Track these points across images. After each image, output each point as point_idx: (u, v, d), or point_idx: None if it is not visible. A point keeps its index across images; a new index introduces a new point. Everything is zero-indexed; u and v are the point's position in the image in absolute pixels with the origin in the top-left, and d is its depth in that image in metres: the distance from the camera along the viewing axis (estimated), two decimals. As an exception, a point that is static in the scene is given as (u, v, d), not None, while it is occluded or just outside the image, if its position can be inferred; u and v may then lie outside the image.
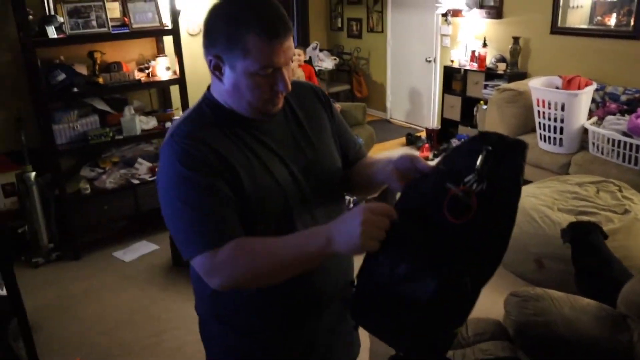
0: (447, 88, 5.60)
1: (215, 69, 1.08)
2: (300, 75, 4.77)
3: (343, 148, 1.30)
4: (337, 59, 7.04)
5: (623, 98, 4.03)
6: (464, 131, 5.35)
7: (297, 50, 5.43)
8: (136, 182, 3.76)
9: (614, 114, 3.79)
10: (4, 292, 2.39)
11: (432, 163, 1.07)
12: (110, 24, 3.48)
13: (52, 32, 3.28)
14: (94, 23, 3.42)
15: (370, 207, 0.93)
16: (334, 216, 1.22)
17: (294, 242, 1.01)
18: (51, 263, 3.58)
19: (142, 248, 3.73)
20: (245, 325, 1.21)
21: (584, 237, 2.60)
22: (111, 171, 3.78)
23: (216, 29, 1.04)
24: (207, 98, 1.16)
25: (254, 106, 1.09)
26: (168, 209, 1.06)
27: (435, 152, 5.43)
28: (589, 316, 1.92)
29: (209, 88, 1.17)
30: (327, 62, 6.71)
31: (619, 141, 3.56)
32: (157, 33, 3.81)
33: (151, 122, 3.80)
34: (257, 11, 1.01)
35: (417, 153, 5.51)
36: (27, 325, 2.53)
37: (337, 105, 4.34)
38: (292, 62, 5.37)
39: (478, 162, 0.95)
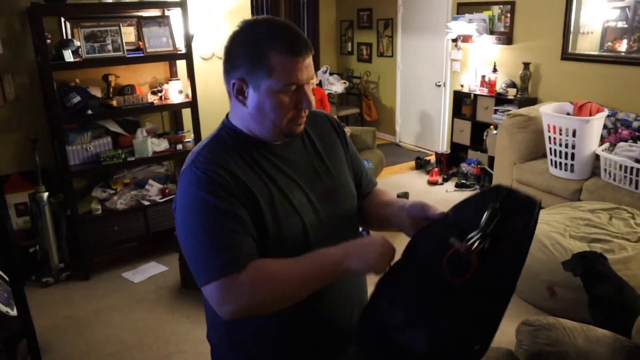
0: (456, 112, 5.62)
1: (239, 93, 1.09)
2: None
3: (357, 178, 1.32)
4: (347, 82, 7.10)
5: (635, 124, 4.02)
6: (474, 156, 5.35)
7: (308, 74, 5.51)
8: (147, 203, 3.79)
9: (626, 141, 3.77)
10: (14, 312, 2.40)
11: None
12: (125, 48, 3.55)
13: (68, 56, 3.34)
14: (110, 47, 3.49)
15: (387, 239, 1.04)
16: None
17: (311, 259, 1.03)
18: (61, 283, 3.59)
19: (152, 269, 3.74)
20: (263, 354, 1.20)
21: (593, 266, 2.57)
22: (122, 192, 3.81)
23: (238, 53, 1.07)
24: (226, 125, 1.17)
25: (278, 126, 1.10)
26: (186, 236, 1.06)
27: (445, 176, 5.42)
28: (604, 347, 1.89)
29: (227, 116, 1.18)
30: (336, 86, 6.77)
31: (632, 168, 3.54)
32: (170, 57, 3.87)
33: (163, 144, 3.84)
34: (278, 32, 1.05)
35: (426, 177, 5.50)
36: (37, 346, 2.53)
37: (347, 130, 4.37)
38: (313, 81, 5.39)
39: (483, 219, 0.95)
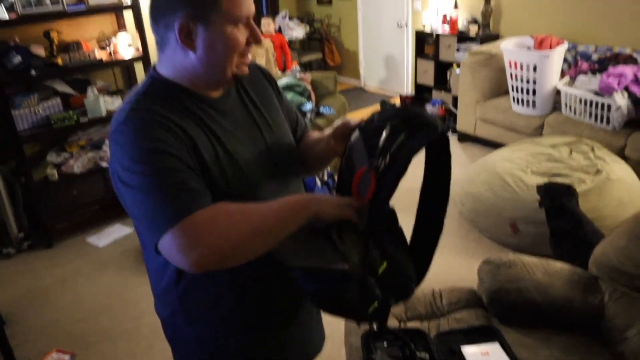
0: (419, 53, 5.54)
1: (187, 37, 0.98)
2: (268, 46, 4.65)
3: (292, 125, 1.28)
4: (308, 27, 6.89)
5: (594, 57, 4.02)
6: (438, 96, 5.32)
7: (266, 20, 5.31)
8: (105, 165, 3.66)
9: (585, 74, 3.78)
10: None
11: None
12: (65, 1, 3.32)
13: (2, 13, 3.11)
14: (48, 1, 3.25)
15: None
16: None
17: (275, 202, 0.99)
18: (23, 253, 3.50)
19: (116, 232, 3.67)
20: (219, 327, 1.17)
21: (557, 199, 2.61)
22: (78, 155, 3.67)
23: None
24: (156, 79, 1.05)
25: (229, 66, 1.02)
26: (133, 195, 0.94)
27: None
28: (562, 280, 1.94)
29: (154, 69, 1.08)
30: (297, 31, 6.56)
31: (591, 101, 3.56)
32: (115, 9, 3.65)
33: (116, 102, 3.68)
34: None
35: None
36: (-1, 318, 2.48)
37: (307, 76, 4.25)
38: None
39: (382, 138, 0.94)
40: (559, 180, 2.98)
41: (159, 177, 0.92)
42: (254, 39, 1.04)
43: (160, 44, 1.03)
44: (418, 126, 0.93)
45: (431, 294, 2.06)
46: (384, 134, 0.93)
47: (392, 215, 1.06)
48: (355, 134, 1.05)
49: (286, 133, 1.22)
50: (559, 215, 2.61)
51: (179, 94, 1.04)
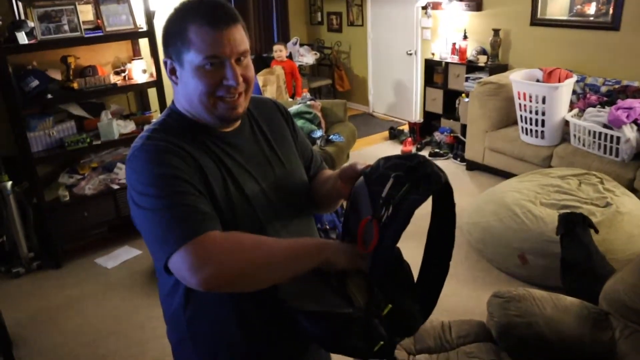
0: (428, 81, 5.59)
1: (172, 73, 1.09)
2: (279, 73, 4.71)
3: (306, 162, 1.30)
4: (318, 53, 6.99)
5: (603, 89, 4.05)
6: (447, 124, 5.35)
7: (278, 46, 5.40)
8: (116, 187, 3.70)
9: (594, 106, 3.80)
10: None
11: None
12: (83, 27, 3.40)
13: (22, 38, 3.19)
14: (66, 27, 3.34)
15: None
16: (305, 232, 1.22)
17: (290, 239, 1.02)
18: (32, 273, 3.52)
19: (125, 254, 3.68)
20: (222, 349, 1.17)
21: (572, 229, 2.61)
22: (90, 177, 3.71)
23: (168, 33, 1.07)
24: (172, 110, 1.14)
25: (207, 106, 1.05)
26: (145, 216, 0.98)
27: (418, 146, 5.43)
28: (572, 315, 1.93)
29: (173, 102, 1.15)
30: (307, 57, 6.65)
31: (600, 133, 3.58)
32: (131, 36, 3.73)
33: (129, 126, 3.74)
34: (200, 6, 1.03)
35: (400, 147, 5.50)
36: (7, 339, 2.48)
37: (317, 103, 4.30)
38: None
39: (385, 188, 0.94)
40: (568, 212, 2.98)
41: (170, 199, 0.96)
42: (231, 82, 1.03)
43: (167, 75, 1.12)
44: (421, 177, 0.92)
45: (440, 326, 2.05)
46: (388, 184, 0.93)
47: (397, 256, 1.06)
48: (361, 179, 1.05)
49: (298, 169, 1.24)
50: (571, 244, 2.61)
51: (193, 127, 1.10)
